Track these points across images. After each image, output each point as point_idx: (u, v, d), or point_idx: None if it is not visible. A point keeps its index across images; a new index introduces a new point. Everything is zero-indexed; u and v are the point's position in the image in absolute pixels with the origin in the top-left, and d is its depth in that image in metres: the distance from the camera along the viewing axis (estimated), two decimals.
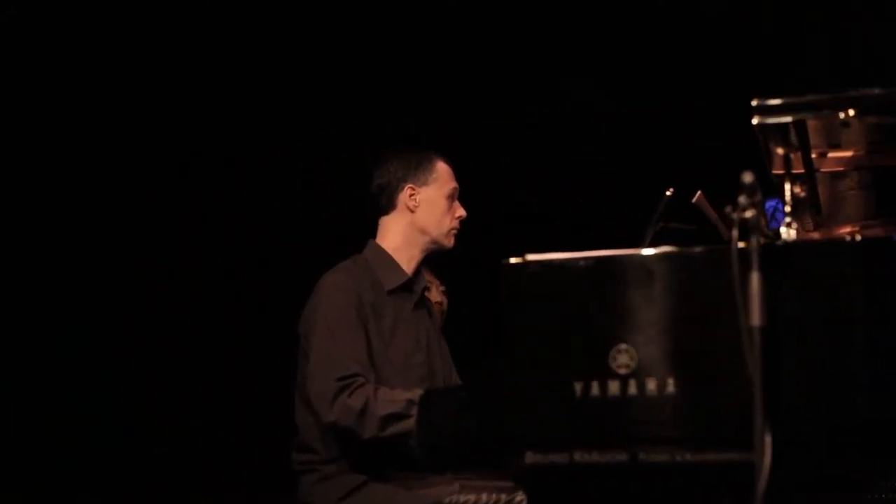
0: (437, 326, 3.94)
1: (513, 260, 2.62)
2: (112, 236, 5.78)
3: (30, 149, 5.66)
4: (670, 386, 2.48)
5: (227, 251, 5.89)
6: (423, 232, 3.72)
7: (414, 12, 5.99)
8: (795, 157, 2.78)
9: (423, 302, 3.83)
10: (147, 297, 5.79)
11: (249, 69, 5.94)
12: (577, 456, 2.53)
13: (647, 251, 2.59)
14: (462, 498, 3.42)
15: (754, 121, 2.59)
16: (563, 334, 2.57)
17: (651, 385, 2.49)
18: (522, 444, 2.56)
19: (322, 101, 5.98)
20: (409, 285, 3.74)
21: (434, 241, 3.73)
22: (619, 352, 2.51)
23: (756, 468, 2.32)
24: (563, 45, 6.08)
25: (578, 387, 2.52)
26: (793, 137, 2.69)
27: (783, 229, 2.66)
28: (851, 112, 2.55)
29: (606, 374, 2.51)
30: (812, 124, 2.73)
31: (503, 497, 3.41)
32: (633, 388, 2.49)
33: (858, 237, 2.53)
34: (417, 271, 3.77)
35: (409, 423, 3.27)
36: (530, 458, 2.56)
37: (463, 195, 3.81)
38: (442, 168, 3.76)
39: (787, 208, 2.70)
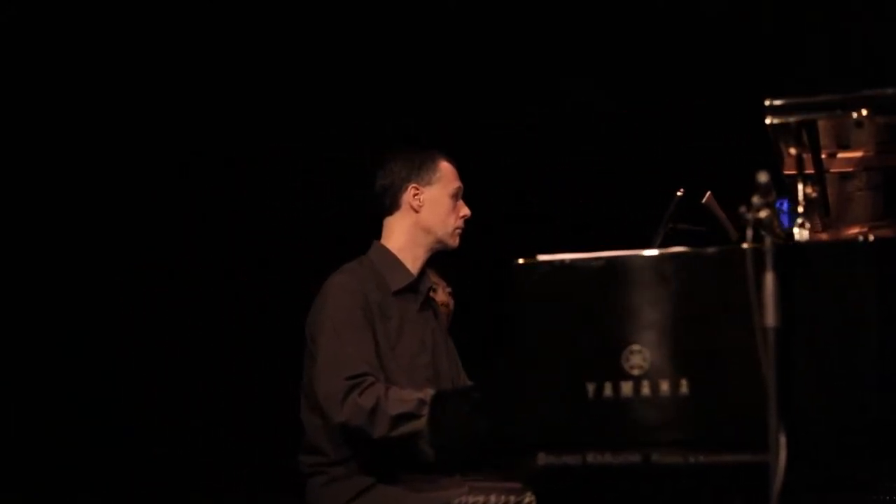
0: (444, 327, 3.93)
1: (523, 260, 2.61)
2: (112, 236, 5.77)
3: (30, 149, 5.65)
4: (683, 387, 2.47)
5: (227, 251, 5.88)
6: (428, 232, 3.71)
7: (414, 12, 5.98)
8: (807, 157, 2.77)
9: (428, 303, 3.82)
10: (147, 297, 5.78)
11: (249, 69, 5.94)
12: (590, 457, 2.52)
13: (660, 251, 2.59)
14: (471, 499, 3.41)
15: (767, 121, 2.58)
16: (575, 335, 2.56)
17: (664, 386, 2.48)
18: (535, 446, 2.55)
19: (322, 101, 5.97)
20: (414, 286, 3.72)
21: (439, 241, 3.73)
22: (632, 352, 2.50)
23: (771, 469, 2.32)
24: (563, 45, 6.08)
25: (591, 388, 2.51)
26: (804, 137, 2.68)
27: (796, 230, 2.65)
28: (865, 112, 2.54)
29: (619, 374, 2.50)
30: (822, 125, 2.72)
31: (512, 499, 3.40)
32: (646, 389, 2.48)
33: (871, 237, 2.52)
34: (422, 272, 3.76)
35: (420, 423, 3.26)
36: (543, 459, 2.55)
37: (466, 195, 3.80)
38: (446, 167, 3.75)
39: (800, 209, 2.69)
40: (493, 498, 3.41)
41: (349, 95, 5.96)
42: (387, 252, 3.71)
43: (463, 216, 3.75)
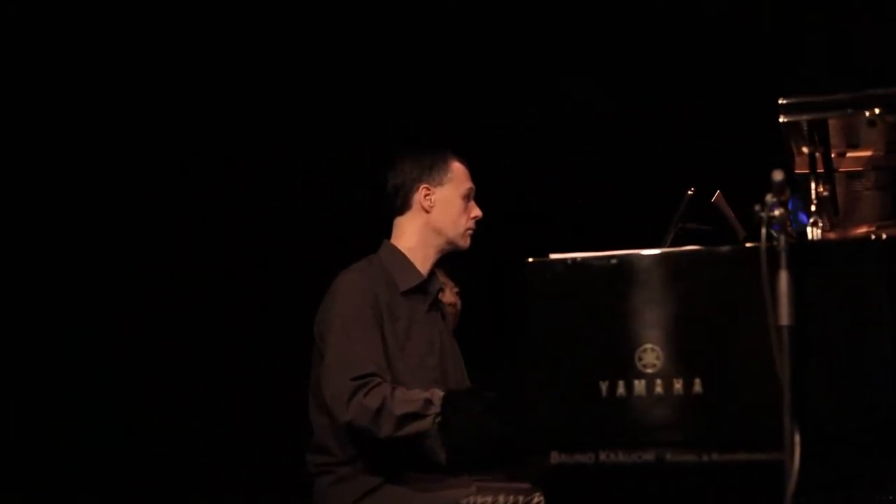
0: (450, 329, 3.92)
1: (536, 259, 2.60)
2: (113, 236, 5.77)
3: (30, 149, 5.64)
4: (697, 386, 2.47)
5: (228, 251, 5.88)
6: (439, 232, 3.70)
7: (414, 12, 5.98)
8: (819, 156, 2.77)
9: (436, 304, 3.81)
10: (148, 297, 5.78)
11: (249, 69, 5.94)
12: (603, 456, 2.51)
13: (673, 250, 2.59)
14: (479, 499, 3.40)
15: (781, 119, 2.58)
16: (588, 334, 2.55)
17: (677, 385, 2.47)
18: (547, 445, 2.54)
19: (322, 101, 5.97)
20: (423, 287, 3.72)
21: (450, 242, 3.72)
22: (646, 351, 2.49)
23: (785, 468, 2.32)
24: (563, 45, 6.08)
25: (604, 386, 2.51)
26: (816, 136, 2.68)
27: (809, 228, 2.65)
28: (878, 110, 2.54)
29: (632, 373, 2.49)
30: (833, 123, 2.73)
31: (521, 499, 3.39)
32: (659, 388, 2.48)
33: (884, 236, 2.52)
34: (432, 273, 3.75)
35: (426, 423, 3.26)
36: (555, 458, 2.54)
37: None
38: (457, 168, 3.74)
39: (812, 207, 2.69)
40: (501, 498, 3.40)
41: (350, 95, 5.96)
42: (397, 252, 3.70)
43: (474, 217, 3.74)
